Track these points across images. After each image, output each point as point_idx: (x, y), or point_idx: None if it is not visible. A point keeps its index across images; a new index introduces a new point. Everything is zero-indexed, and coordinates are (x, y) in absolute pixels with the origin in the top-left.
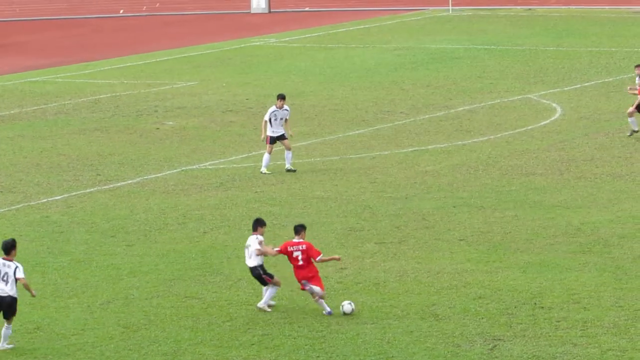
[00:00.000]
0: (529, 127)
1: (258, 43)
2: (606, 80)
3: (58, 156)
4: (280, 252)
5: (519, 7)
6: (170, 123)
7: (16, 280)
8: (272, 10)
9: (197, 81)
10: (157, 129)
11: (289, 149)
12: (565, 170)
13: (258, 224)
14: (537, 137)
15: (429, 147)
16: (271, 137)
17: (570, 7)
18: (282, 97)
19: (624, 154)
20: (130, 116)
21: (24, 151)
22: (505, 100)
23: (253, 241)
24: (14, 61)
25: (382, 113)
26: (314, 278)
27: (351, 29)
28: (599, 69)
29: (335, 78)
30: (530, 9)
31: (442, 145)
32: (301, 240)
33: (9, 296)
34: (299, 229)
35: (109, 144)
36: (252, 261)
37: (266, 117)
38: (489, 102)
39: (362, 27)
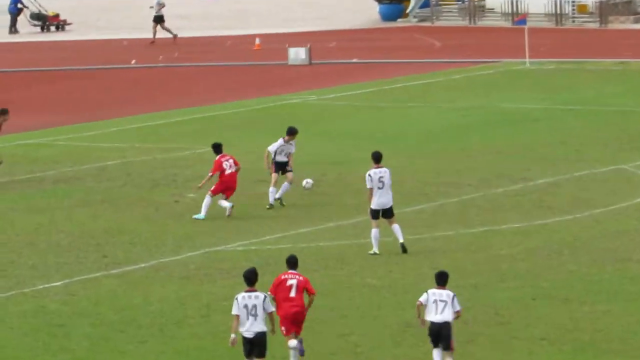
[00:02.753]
0: (623, 204)
1: (296, 100)
2: None
3: (57, 233)
4: (272, 290)
5: (609, 60)
6: (192, 195)
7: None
8: (313, 61)
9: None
10: (176, 202)
11: (290, 182)
12: None
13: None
14: (633, 216)
15: (503, 226)
16: (277, 163)
17: None
18: (292, 132)
19: None
20: (143, 186)
21: (15, 227)
22: (595, 171)
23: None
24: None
25: (445, 185)
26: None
27: (408, 84)
28: None
29: (389, 143)
30: (622, 62)
31: (518, 225)
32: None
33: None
34: (294, 263)
35: (118, 220)
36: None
37: (271, 149)
38: (575, 174)
39: (421, 82)
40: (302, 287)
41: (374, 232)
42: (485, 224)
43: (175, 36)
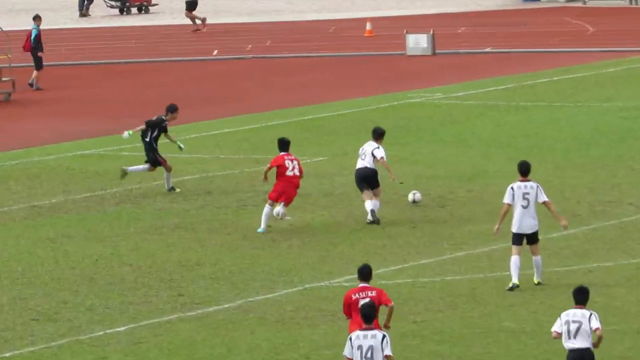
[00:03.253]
0: None
1: (417, 99)
2: None
3: (121, 267)
4: (345, 308)
5: None
6: (288, 218)
7: None
8: (437, 51)
9: (327, 156)
10: (269, 226)
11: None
12: None
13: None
14: None
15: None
16: None
17: None
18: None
19: None
20: (229, 207)
21: (70, 259)
22: None
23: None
24: (57, 124)
25: (601, 204)
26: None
27: (555, 79)
28: None
29: (532, 151)
30: None
31: None
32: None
33: None
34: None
35: (196, 249)
36: None
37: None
38: None
39: (571, 76)
40: (377, 304)
41: (514, 259)
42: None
43: (202, 22)
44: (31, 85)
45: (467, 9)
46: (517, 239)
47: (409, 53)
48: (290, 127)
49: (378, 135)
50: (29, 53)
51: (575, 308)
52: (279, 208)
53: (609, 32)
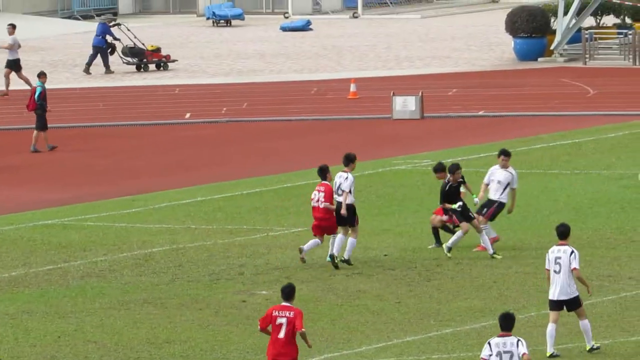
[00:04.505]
0: None
1: (403, 166)
2: None
3: (85, 344)
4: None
5: None
6: (264, 292)
7: None
8: (425, 114)
9: (307, 227)
10: (243, 302)
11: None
12: None
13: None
14: None
15: None
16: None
17: None
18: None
19: None
20: (200, 281)
21: (31, 336)
22: None
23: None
24: (18, 193)
25: (600, 278)
26: None
27: (551, 144)
28: None
29: (525, 222)
30: None
31: None
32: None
33: None
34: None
35: (165, 326)
36: None
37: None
38: None
39: (568, 141)
40: (292, 329)
41: (549, 327)
42: None
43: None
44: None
45: (459, 69)
46: (552, 304)
47: (395, 116)
48: (267, 195)
49: (348, 160)
50: (33, 112)
51: (503, 336)
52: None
53: (610, 94)
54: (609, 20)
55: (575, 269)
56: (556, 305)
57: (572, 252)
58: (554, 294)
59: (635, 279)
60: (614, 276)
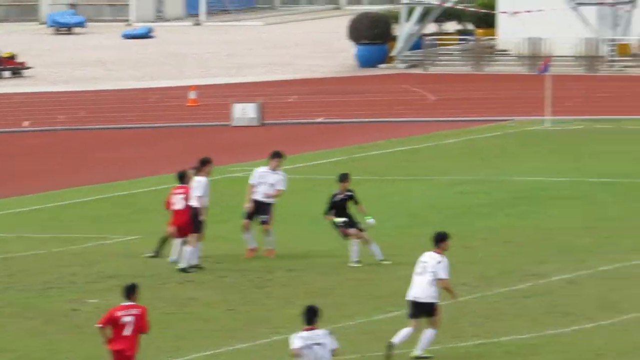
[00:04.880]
0: None
1: (240, 174)
2: None
3: None
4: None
5: None
6: (95, 301)
7: None
8: (265, 122)
9: (141, 234)
10: (74, 310)
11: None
12: None
13: None
14: None
15: (503, 338)
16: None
17: None
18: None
19: None
20: (32, 290)
21: None
22: (628, 264)
23: None
24: None
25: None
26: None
27: (388, 151)
28: None
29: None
30: None
31: (524, 336)
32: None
33: None
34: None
35: None
36: None
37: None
38: (601, 268)
39: (405, 148)
40: (138, 328)
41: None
42: (481, 337)
43: None
44: None
45: (300, 76)
46: (408, 306)
47: (234, 124)
48: (103, 203)
49: (201, 164)
50: None
51: (309, 329)
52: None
53: (450, 100)
54: (451, 26)
55: (442, 279)
56: (409, 306)
57: (433, 255)
58: (409, 294)
59: (468, 285)
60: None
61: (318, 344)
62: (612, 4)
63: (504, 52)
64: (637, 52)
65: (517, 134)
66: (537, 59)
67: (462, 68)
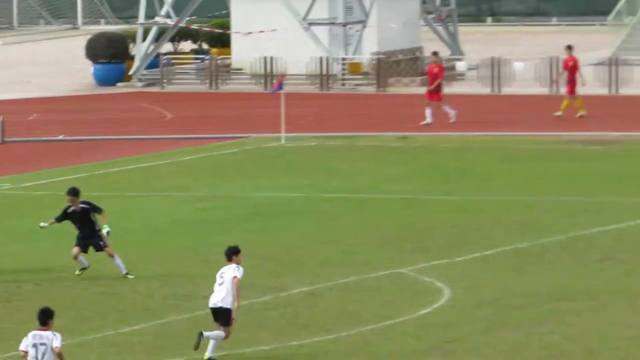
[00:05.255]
0: (400, 319)
1: None
2: (520, 245)
3: None
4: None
5: (388, 134)
6: None
7: None
8: (6, 139)
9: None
10: None
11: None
12: None
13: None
14: (412, 335)
15: (247, 349)
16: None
17: (466, 133)
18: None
19: (546, 358)
20: None
21: None
22: (365, 277)
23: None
24: None
25: (174, 298)
26: None
27: (129, 167)
28: (507, 228)
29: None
30: (405, 137)
31: (267, 348)
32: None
33: None
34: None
35: None
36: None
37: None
38: (340, 281)
39: (145, 164)
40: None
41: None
42: (225, 348)
43: None
44: None
45: (39, 95)
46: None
47: None
48: None
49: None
50: None
51: (40, 330)
52: None
53: (187, 118)
54: (187, 46)
55: (235, 277)
56: (212, 312)
57: (237, 267)
58: (210, 301)
59: (208, 297)
60: (190, 295)
61: (43, 343)
62: (344, 24)
63: (238, 71)
64: (367, 71)
65: (254, 150)
66: (271, 77)
67: (199, 86)
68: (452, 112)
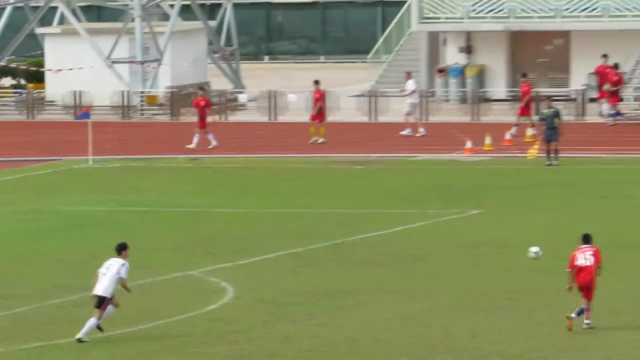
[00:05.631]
0: (191, 314)
1: None
2: (294, 250)
3: None
4: None
5: (180, 156)
6: None
7: None
8: None
9: None
10: None
11: None
12: None
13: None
14: (202, 327)
15: (60, 341)
16: None
17: (248, 156)
18: None
19: (318, 347)
20: None
21: None
22: (160, 278)
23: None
24: None
25: None
26: None
27: None
28: (284, 236)
29: None
30: (195, 159)
31: (65, 340)
32: None
33: None
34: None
35: None
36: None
37: None
38: (138, 282)
39: None
40: None
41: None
42: (41, 339)
43: None
44: None
45: None
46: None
47: None
48: None
49: None
50: None
51: None
52: None
53: (8, 143)
54: (7, 81)
55: (123, 278)
56: (95, 298)
57: (124, 264)
58: (95, 289)
59: (29, 297)
60: (9, 294)
61: None
62: (142, 63)
63: (52, 103)
64: (163, 102)
65: (66, 171)
66: (80, 108)
67: (18, 116)
68: (214, 141)
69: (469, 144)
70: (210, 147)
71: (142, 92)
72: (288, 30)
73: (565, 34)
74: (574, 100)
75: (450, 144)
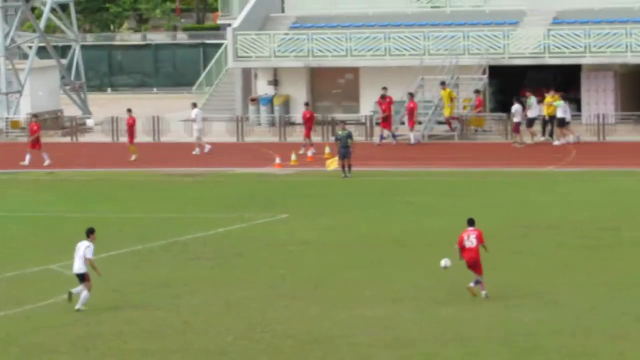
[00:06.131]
0: (51, 301)
1: None
2: (135, 248)
3: None
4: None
5: (40, 170)
6: None
7: None
8: None
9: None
10: None
11: None
12: (92, 347)
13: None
14: (61, 312)
15: None
16: None
17: (96, 169)
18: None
19: (158, 328)
20: None
21: None
22: (26, 271)
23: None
24: None
25: None
26: None
27: None
28: (127, 236)
29: None
30: (52, 173)
31: None
32: None
33: None
34: None
35: None
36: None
37: None
38: (8, 274)
39: None
40: None
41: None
42: None
43: None
44: None
45: None
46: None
47: None
48: None
49: None
50: None
51: None
52: None
53: None
54: None
55: (88, 258)
56: (76, 275)
57: (89, 246)
58: (73, 268)
59: None
60: None
61: None
62: (5, 94)
63: None
64: (24, 126)
65: None
66: None
67: None
68: (47, 160)
69: (278, 160)
70: (45, 164)
71: (7, 118)
72: (127, 67)
73: (355, 70)
74: (363, 124)
75: (262, 159)
